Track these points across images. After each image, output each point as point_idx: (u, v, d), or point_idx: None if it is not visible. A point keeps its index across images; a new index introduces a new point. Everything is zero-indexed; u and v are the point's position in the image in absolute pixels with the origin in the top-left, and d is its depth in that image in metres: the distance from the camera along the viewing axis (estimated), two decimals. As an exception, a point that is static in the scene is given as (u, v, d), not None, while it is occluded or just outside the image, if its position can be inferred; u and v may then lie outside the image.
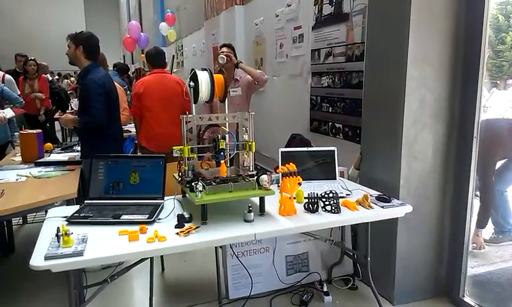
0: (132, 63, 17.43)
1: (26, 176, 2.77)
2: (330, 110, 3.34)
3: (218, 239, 1.77)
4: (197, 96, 2.10)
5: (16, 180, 2.71)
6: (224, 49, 3.48)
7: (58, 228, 1.63)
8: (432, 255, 2.57)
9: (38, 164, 3.12)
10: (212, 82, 2.11)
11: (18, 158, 3.33)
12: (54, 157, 3.43)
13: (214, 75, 2.15)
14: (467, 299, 2.48)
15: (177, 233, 1.76)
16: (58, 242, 1.62)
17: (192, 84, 2.09)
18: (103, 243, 1.68)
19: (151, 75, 3.66)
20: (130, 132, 4.96)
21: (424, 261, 2.56)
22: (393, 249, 2.48)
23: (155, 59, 3.70)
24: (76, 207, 2.07)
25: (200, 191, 1.85)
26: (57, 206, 2.39)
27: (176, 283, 2.88)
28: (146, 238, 1.71)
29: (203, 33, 7.41)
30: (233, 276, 2.58)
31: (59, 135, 8.18)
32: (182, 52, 9.67)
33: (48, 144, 3.78)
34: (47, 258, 1.53)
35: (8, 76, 4.79)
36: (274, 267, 2.64)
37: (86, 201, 2.11)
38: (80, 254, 1.56)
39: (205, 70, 2.16)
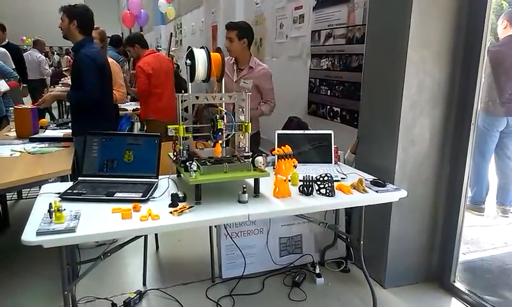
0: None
1: (20, 151, 2.75)
2: (329, 94, 3.32)
3: (212, 219, 1.77)
4: (193, 74, 2.07)
5: (11, 155, 2.69)
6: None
7: (50, 203, 1.62)
8: (425, 240, 2.58)
9: (32, 140, 3.09)
10: (209, 61, 2.08)
11: (13, 134, 3.30)
12: (49, 133, 3.40)
13: (212, 53, 2.11)
14: (458, 285, 2.51)
15: (171, 212, 1.75)
16: (50, 217, 1.61)
17: (188, 62, 2.06)
18: (96, 220, 1.67)
19: (149, 56, 4.07)
20: (127, 110, 4.94)
21: (416, 245, 2.57)
22: (387, 233, 2.50)
23: (143, 41, 4.27)
24: (70, 184, 2.06)
25: (195, 171, 1.83)
26: (51, 182, 2.39)
27: (170, 261, 2.90)
28: (139, 216, 1.70)
29: (202, 11, 7.30)
30: (227, 256, 2.59)
31: (55, 112, 8.14)
32: (181, 31, 9.55)
33: (43, 120, 3.75)
34: (38, 233, 1.52)
35: (1, 49, 4.71)
36: (267, 248, 2.66)
37: (79, 178, 2.10)
38: (72, 230, 1.56)
39: (202, 48, 2.13)
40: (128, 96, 5.84)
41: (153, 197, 1.92)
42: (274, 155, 2.19)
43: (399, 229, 2.50)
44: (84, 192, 1.92)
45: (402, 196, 2.10)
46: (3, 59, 4.53)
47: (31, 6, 19.02)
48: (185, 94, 2.02)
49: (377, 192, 2.08)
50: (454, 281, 2.53)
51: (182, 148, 2.01)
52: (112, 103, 3.11)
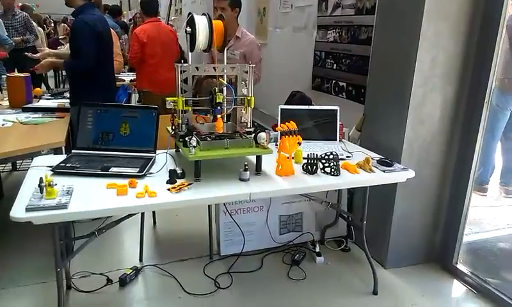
0: (129, 9, 16.77)
1: (13, 121, 2.64)
2: (334, 67, 3.19)
3: (211, 197, 1.68)
4: (194, 43, 1.95)
5: (2, 125, 2.58)
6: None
7: (41, 178, 1.53)
8: (429, 220, 2.52)
9: (25, 110, 2.98)
10: (210, 29, 1.95)
11: (6, 103, 3.17)
12: (43, 103, 3.28)
13: (214, 21, 1.98)
14: (460, 266, 2.46)
15: (168, 189, 1.67)
16: (41, 193, 1.53)
17: (188, 29, 1.93)
18: (89, 196, 1.58)
19: (148, 24, 3.88)
20: (124, 80, 4.80)
21: (419, 226, 2.51)
22: (390, 213, 2.43)
23: (149, 6, 3.93)
24: (63, 157, 1.97)
25: (194, 147, 1.74)
26: (44, 154, 2.29)
27: (167, 237, 2.84)
28: (135, 192, 1.61)
29: (203, -21, 7.03)
30: (226, 233, 2.53)
31: (51, 81, 7.96)
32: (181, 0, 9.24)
33: (38, 89, 3.62)
34: (28, 209, 1.44)
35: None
36: (267, 226, 2.59)
37: (73, 151, 2.01)
38: (64, 206, 1.47)
39: (203, 15, 2.00)
40: (126, 66, 5.71)
41: (150, 173, 1.83)
42: (276, 131, 2.10)
43: (403, 208, 2.43)
44: (78, 166, 1.83)
45: (409, 176, 2.02)
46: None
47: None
48: (185, 64, 1.91)
49: (384, 172, 2.00)
50: (457, 263, 2.48)
51: (180, 121, 1.91)
52: (112, 72, 2.98)
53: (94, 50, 2.59)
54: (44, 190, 1.52)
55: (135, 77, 4.97)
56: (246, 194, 1.71)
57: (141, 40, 3.76)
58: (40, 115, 2.85)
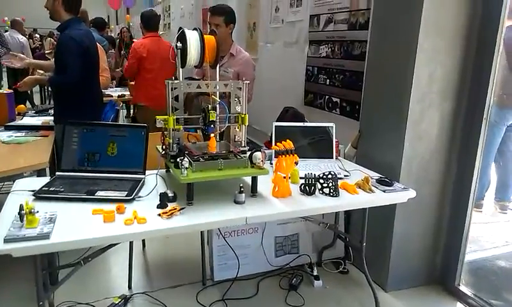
0: (117, 24, 16.71)
1: (-7, 141, 2.52)
2: (327, 83, 3.13)
3: (205, 223, 1.58)
4: (185, 59, 1.86)
5: (-18, 144, 2.45)
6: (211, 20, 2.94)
7: (21, 205, 1.41)
8: (429, 241, 2.45)
9: (8, 128, 2.85)
10: (202, 44, 1.87)
11: (-13, 120, 3.04)
12: (27, 120, 3.15)
13: (205, 36, 1.90)
14: (463, 288, 2.39)
15: (159, 214, 1.57)
16: (21, 221, 1.41)
17: (179, 45, 1.85)
18: (74, 223, 1.47)
19: (148, 39, 3.89)
20: (112, 96, 4.69)
21: (420, 246, 2.44)
22: (390, 234, 2.35)
23: (150, 21, 3.97)
24: (47, 179, 1.85)
25: (186, 168, 1.64)
26: (27, 176, 2.17)
27: (157, 261, 2.71)
28: (123, 219, 1.50)
29: (192, -6, 7.01)
30: (219, 257, 2.42)
31: (37, 97, 7.79)
32: (169, 14, 9.21)
33: (21, 106, 3.50)
34: (6, 240, 1.32)
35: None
36: (262, 248, 2.49)
37: (57, 173, 1.89)
38: (46, 236, 1.36)
39: (195, 29, 1.92)
40: (113, 81, 5.60)
41: (139, 197, 1.72)
42: (269, 149, 2.02)
43: (402, 229, 2.35)
44: (62, 189, 1.72)
45: (411, 196, 1.95)
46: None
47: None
48: (176, 81, 1.82)
49: (384, 191, 1.92)
50: (459, 285, 2.40)
51: (171, 141, 1.82)
52: (98, 88, 2.86)
53: (80, 66, 2.48)
54: (25, 219, 1.41)
55: (124, 93, 4.90)
56: (242, 219, 1.61)
57: (140, 54, 3.77)
58: (23, 133, 2.73)
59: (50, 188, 1.72)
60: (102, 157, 1.93)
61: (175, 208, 1.60)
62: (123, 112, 5.05)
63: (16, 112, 3.34)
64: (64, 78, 2.47)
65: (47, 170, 2.20)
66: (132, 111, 6.30)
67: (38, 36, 13.11)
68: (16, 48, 7.38)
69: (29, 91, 6.83)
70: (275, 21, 4.00)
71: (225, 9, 3.01)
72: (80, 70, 2.47)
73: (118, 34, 6.06)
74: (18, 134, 2.70)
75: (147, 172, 1.94)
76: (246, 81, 1.93)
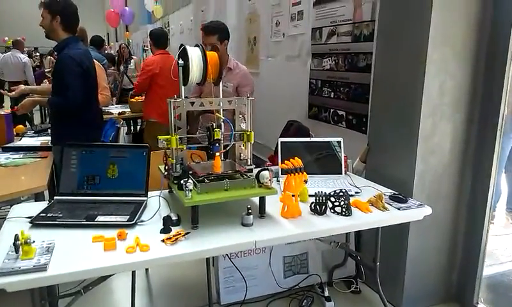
0: (117, 41, 16.77)
1: (-10, 163, 2.44)
2: (332, 96, 3.06)
3: (212, 249, 1.49)
4: (187, 76, 1.80)
5: (-21, 168, 2.38)
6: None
7: (17, 235, 1.33)
8: (445, 257, 2.35)
9: (5, 149, 2.78)
10: (204, 61, 1.80)
11: (-16, 142, 2.97)
12: (26, 141, 3.09)
13: (207, 52, 1.84)
14: (481, 306, 2.28)
15: (163, 240, 1.48)
16: (17, 252, 1.33)
17: (181, 62, 1.79)
18: (73, 252, 1.38)
19: (158, 56, 3.97)
20: (112, 114, 4.63)
21: (435, 264, 2.34)
22: (403, 251, 2.25)
23: (160, 39, 4.08)
24: (44, 204, 1.77)
25: (190, 190, 1.56)
26: (24, 200, 2.09)
27: (161, 284, 2.60)
28: (125, 247, 1.42)
29: (191, 9, 7.01)
30: (226, 279, 2.32)
31: (37, 115, 7.75)
32: (169, 30, 9.22)
33: (20, 126, 3.42)
34: (1, 274, 1.24)
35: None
36: (270, 269, 2.39)
37: (55, 198, 1.81)
38: (43, 268, 1.27)
39: (196, 46, 1.86)
40: (114, 98, 5.54)
41: (142, 221, 1.64)
42: (274, 164, 1.94)
43: (416, 246, 2.25)
44: (60, 215, 1.63)
45: (426, 213, 1.86)
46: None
47: (13, 5, 18.43)
48: (178, 99, 1.75)
49: (398, 209, 1.83)
50: (477, 302, 2.29)
51: (174, 162, 1.74)
52: (97, 108, 2.79)
53: (81, 87, 2.41)
54: (20, 250, 1.32)
55: (124, 110, 4.84)
56: (250, 243, 1.52)
57: (153, 71, 3.83)
58: (21, 155, 2.65)
59: (48, 214, 1.64)
60: (102, 180, 1.84)
61: (180, 233, 1.51)
62: (123, 129, 4.98)
63: (15, 133, 3.28)
64: (66, 100, 2.40)
65: (46, 193, 2.12)
66: (132, 128, 6.24)
67: (38, 54, 13.17)
68: (19, 67, 7.37)
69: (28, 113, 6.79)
70: (276, 35, 3.95)
71: (218, 26, 2.98)
72: (82, 92, 2.40)
73: (117, 51, 6.03)
74: (16, 156, 2.62)
75: (150, 193, 1.87)
76: (251, 97, 1.86)
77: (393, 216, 1.80)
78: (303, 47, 3.46)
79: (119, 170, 1.86)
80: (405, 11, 2.16)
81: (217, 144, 1.77)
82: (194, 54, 1.81)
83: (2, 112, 2.99)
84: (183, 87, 1.83)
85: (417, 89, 2.08)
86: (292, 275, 2.47)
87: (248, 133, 1.84)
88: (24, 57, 7.51)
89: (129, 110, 4.86)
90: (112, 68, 5.80)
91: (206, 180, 1.65)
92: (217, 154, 1.78)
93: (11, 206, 1.84)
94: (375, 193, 1.92)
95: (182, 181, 1.58)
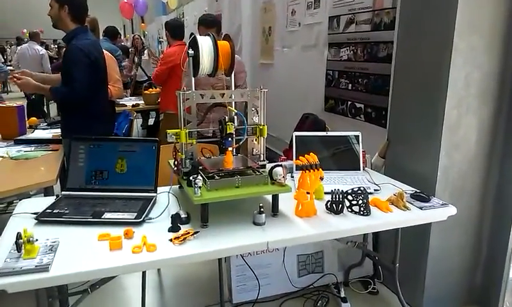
0: (133, 32, 16.79)
1: (1, 156, 2.41)
2: (350, 88, 2.94)
3: (223, 249, 1.41)
4: (197, 67, 1.71)
5: (-10, 161, 2.35)
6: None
7: (19, 233, 1.28)
8: (468, 258, 2.23)
9: (17, 142, 2.75)
10: (215, 51, 1.72)
11: (-3, 135, 2.96)
12: (38, 133, 3.06)
13: (219, 42, 1.75)
14: (507, 310, 2.16)
15: (171, 240, 1.41)
16: (19, 251, 1.27)
17: (191, 52, 1.70)
18: (77, 252, 1.33)
19: (177, 47, 3.89)
20: (126, 106, 4.59)
21: (458, 264, 2.22)
22: (424, 251, 2.14)
23: (176, 30, 4.00)
24: (51, 199, 1.72)
25: (199, 187, 1.48)
26: (33, 194, 2.06)
27: (172, 282, 2.55)
28: (131, 246, 1.35)
29: (205, 0, 6.90)
30: (238, 277, 2.25)
31: (53, 108, 7.78)
32: (183, 21, 9.14)
33: (33, 118, 3.41)
34: (1, 274, 1.19)
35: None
36: (284, 268, 2.31)
37: (62, 193, 1.76)
38: (45, 269, 1.22)
39: (208, 35, 1.77)
40: (128, 90, 5.51)
41: (150, 219, 1.57)
42: (288, 158, 1.84)
43: (438, 245, 2.14)
44: (66, 211, 1.58)
45: (451, 213, 1.75)
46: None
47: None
48: (188, 91, 1.67)
49: (421, 209, 1.72)
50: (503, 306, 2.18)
51: (184, 157, 1.66)
52: (107, 101, 2.73)
53: (88, 80, 2.35)
54: (22, 248, 1.27)
55: (138, 102, 4.80)
56: (263, 244, 1.44)
57: (174, 62, 3.74)
58: (33, 148, 2.62)
59: (54, 211, 1.58)
60: (110, 175, 1.78)
61: (188, 232, 1.44)
62: (137, 122, 4.94)
63: (28, 125, 3.27)
64: (71, 91, 2.34)
65: (55, 188, 2.08)
66: (149, 121, 6.21)
67: (56, 46, 13.27)
68: (36, 59, 7.41)
69: (44, 103, 6.83)
70: (292, 24, 3.83)
71: (216, 19, 3.19)
72: (88, 84, 2.34)
73: (131, 42, 6.00)
74: (28, 149, 2.59)
75: (160, 189, 1.80)
76: (265, 89, 1.77)
77: (415, 216, 1.69)
78: (320, 37, 3.34)
79: (128, 165, 1.80)
80: (429, -4, 2.03)
81: (229, 139, 1.69)
82: (205, 44, 1.73)
83: (15, 105, 2.96)
84: (193, 79, 1.75)
85: (441, 81, 1.96)
86: (307, 274, 2.38)
87: (261, 127, 1.75)
88: (42, 49, 7.54)
89: (143, 102, 4.82)
90: (127, 59, 5.76)
91: (216, 177, 1.57)
92: (230, 149, 1.70)
93: (20, 200, 1.80)
94: (395, 191, 1.82)
95: (191, 178, 1.51)
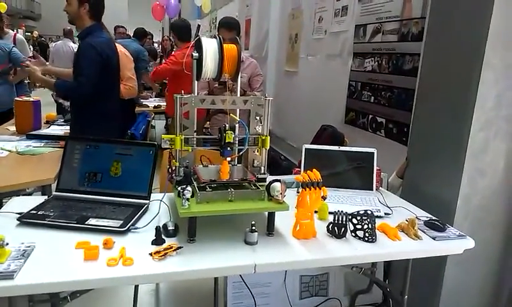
0: (169, 34, 17.04)
1: (9, 150, 2.40)
2: (372, 100, 2.77)
3: (203, 270, 1.29)
4: (200, 70, 1.62)
5: (-3, 154, 2.34)
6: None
7: (-9, 235, 1.21)
8: (487, 297, 2.01)
9: (29, 137, 2.75)
10: (220, 54, 1.61)
11: (13, 128, 2.98)
12: (53, 129, 3.06)
13: (226, 45, 1.65)
14: None
15: (151, 254, 1.31)
16: (-10, 254, 1.21)
17: (195, 54, 1.61)
18: (50, 259, 1.24)
19: (187, 49, 3.62)
20: (148, 106, 4.58)
21: (476, 301, 2.01)
22: (438, 286, 1.94)
23: (183, 30, 3.76)
24: (41, 199, 1.66)
25: (188, 199, 1.38)
26: (30, 192, 2.02)
27: (166, 297, 2.45)
28: (107, 258, 1.26)
29: (237, 4, 6.87)
30: (235, 295, 2.11)
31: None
32: (216, 25, 9.16)
33: (51, 113, 3.43)
34: (-38, 278, 1.12)
35: (19, 36, 4.46)
36: (285, 288, 2.16)
37: (54, 193, 1.70)
38: (9, 276, 1.14)
39: (214, 37, 1.67)
40: (153, 92, 5.52)
41: (136, 228, 1.48)
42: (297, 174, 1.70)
43: (454, 280, 1.94)
44: (51, 214, 1.51)
45: (467, 246, 1.56)
46: (21, 47, 4.28)
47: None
48: (186, 95, 1.57)
49: (434, 239, 1.55)
50: (527, 355, 1.94)
51: (178, 164, 1.56)
52: (117, 101, 2.68)
53: (95, 77, 2.31)
54: (-8, 251, 1.21)
55: (160, 104, 4.78)
56: (249, 266, 1.31)
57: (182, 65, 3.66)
58: (42, 144, 2.61)
59: (39, 212, 1.52)
60: (104, 178, 1.71)
61: (171, 247, 1.33)
62: (156, 123, 4.91)
63: (45, 120, 3.28)
64: (76, 86, 2.30)
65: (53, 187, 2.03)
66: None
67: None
68: (70, 55, 7.59)
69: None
70: (318, 32, 3.69)
71: (236, 22, 3.31)
72: (95, 81, 2.30)
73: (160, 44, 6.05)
74: (37, 144, 2.58)
75: (157, 195, 1.71)
76: (269, 98, 1.65)
77: (427, 247, 1.51)
78: (345, 46, 3.19)
79: (123, 168, 1.72)
80: (460, 5, 1.85)
81: (228, 148, 1.57)
82: (210, 46, 1.63)
83: (31, 99, 2.98)
84: (196, 82, 1.66)
85: (469, 99, 1.77)
86: (309, 296, 2.22)
87: (263, 138, 1.63)
88: (75, 46, 7.72)
89: (165, 104, 4.80)
90: (154, 61, 5.79)
91: (208, 188, 1.46)
92: (229, 159, 1.59)
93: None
94: (408, 216, 1.65)
95: (179, 188, 1.41)
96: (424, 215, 1.75)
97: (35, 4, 24.58)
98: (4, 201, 3.28)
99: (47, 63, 2.95)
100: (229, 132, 1.57)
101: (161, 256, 1.29)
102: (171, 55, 3.89)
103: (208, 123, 3.54)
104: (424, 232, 1.59)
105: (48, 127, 3.13)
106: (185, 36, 3.78)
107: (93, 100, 2.33)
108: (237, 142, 1.60)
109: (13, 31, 4.75)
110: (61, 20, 4.09)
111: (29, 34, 18.31)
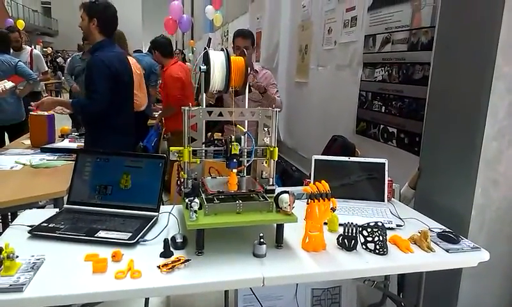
0: (181, 48, 17.29)
1: (24, 164, 2.45)
2: (383, 110, 2.75)
3: (212, 282, 1.28)
4: (208, 83, 1.62)
5: (11, 168, 2.39)
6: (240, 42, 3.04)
7: (1, 248, 1.23)
8: (507, 310, 1.95)
9: (44, 150, 2.80)
10: (228, 66, 1.62)
11: (28, 142, 3.03)
12: (67, 142, 3.11)
13: (232, 57, 1.66)
14: None
15: (159, 266, 1.31)
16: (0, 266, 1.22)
17: (203, 67, 1.62)
18: (59, 272, 1.25)
19: (177, 65, 3.85)
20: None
21: (494, 317, 1.95)
22: (453, 301, 1.89)
23: (168, 48, 3.90)
24: (53, 212, 1.68)
25: (195, 211, 1.38)
26: (41, 206, 2.04)
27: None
28: (115, 271, 1.26)
29: (248, 17, 6.93)
30: (246, 308, 2.10)
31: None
32: (227, 38, 9.26)
33: (65, 127, 3.49)
34: (-27, 290, 1.13)
35: (36, 51, 4.56)
36: (296, 301, 2.13)
37: (65, 206, 1.72)
38: (19, 289, 1.15)
39: (222, 50, 1.68)
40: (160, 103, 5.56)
41: (145, 240, 1.48)
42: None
43: (470, 293, 1.89)
44: (62, 227, 1.53)
45: (482, 259, 1.51)
46: (37, 61, 4.38)
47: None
48: (194, 108, 1.58)
49: (447, 251, 1.51)
50: None
51: (186, 176, 1.57)
52: (129, 114, 2.70)
53: (108, 92, 2.34)
54: (2, 265, 1.22)
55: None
56: (258, 280, 1.30)
57: (183, 79, 3.75)
58: (56, 157, 2.65)
59: (50, 225, 1.54)
60: (114, 190, 1.72)
61: (179, 259, 1.33)
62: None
63: (60, 134, 3.34)
64: (91, 103, 2.34)
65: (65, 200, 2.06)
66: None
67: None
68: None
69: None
70: (327, 43, 3.69)
71: (251, 32, 3.27)
72: (109, 96, 2.33)
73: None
74: (51, 158, 2.62)
75: (165, 208, 1.71)
76: (277, 109, 1.64)
77: (440, 260, 1.47)
78: (355, 56, 3.18)
79: (132, 181, 1.73)
80: (470, 14, 1.83)
81: (234, 160, 1.57)
82: (217, 59, 1.64)
83: (46, 114, 3.03)
84: (204, 95, 1.67)
85: (481, 108, 1.74)
86: (322, 310, 2.19)
87: (272, 149, 1.62)
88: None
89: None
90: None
91: (216, 200, 1.46)
92: (235, 170, 1.58)
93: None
94: (421, 227, 1.62)
95: (187, 200, 1.41)
96: (437, 226, 1.71)
97: (52, 20, 25.26)
98: (18, 213, 3.35)
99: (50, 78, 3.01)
100: (235, 143, 1.57)
101: (169, 268, 1.29)
102: (168, 76, 3.78)
103: (220, 134, 3.56)
104: (437, 244, 1.55)
105: (62, 140, 3.18)
106: (169, 52, 3.89)
107: (105, 114, 2.36)
108: (245, 153, 1.59)
109: (31, 46, 4.87)
110: (77, 36, 4.18)
111: (45, 49, 18.78)
